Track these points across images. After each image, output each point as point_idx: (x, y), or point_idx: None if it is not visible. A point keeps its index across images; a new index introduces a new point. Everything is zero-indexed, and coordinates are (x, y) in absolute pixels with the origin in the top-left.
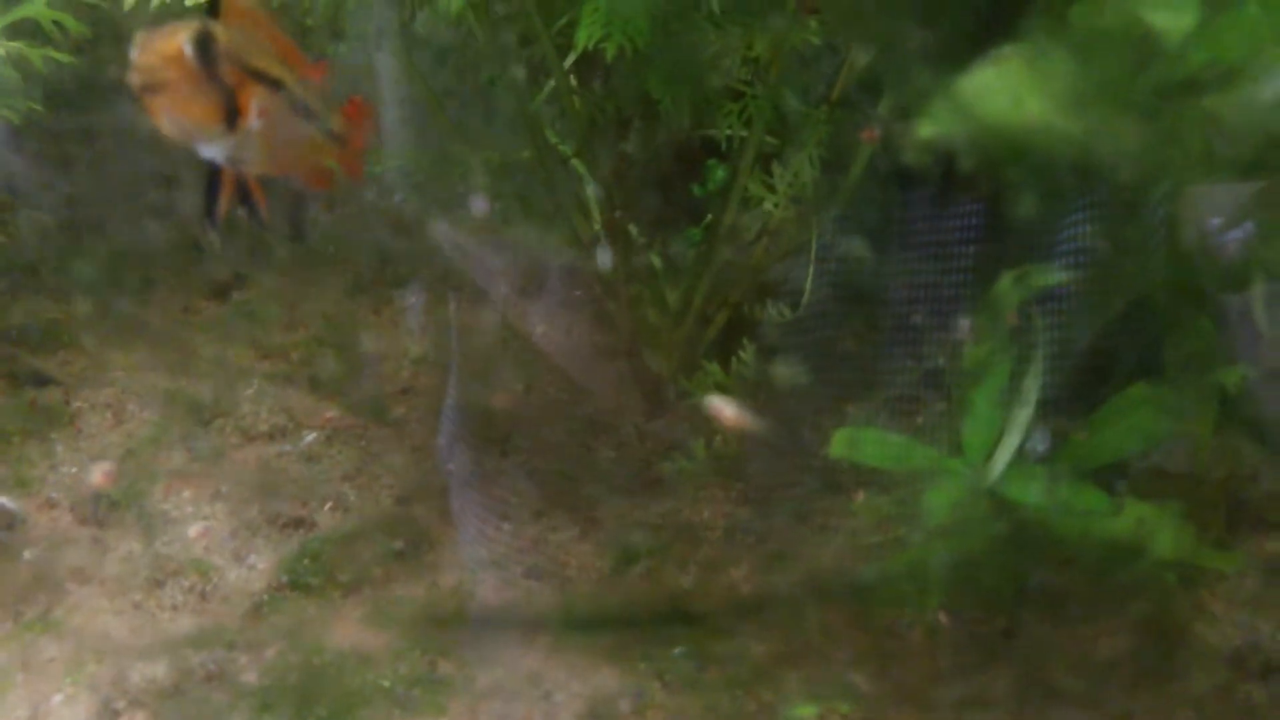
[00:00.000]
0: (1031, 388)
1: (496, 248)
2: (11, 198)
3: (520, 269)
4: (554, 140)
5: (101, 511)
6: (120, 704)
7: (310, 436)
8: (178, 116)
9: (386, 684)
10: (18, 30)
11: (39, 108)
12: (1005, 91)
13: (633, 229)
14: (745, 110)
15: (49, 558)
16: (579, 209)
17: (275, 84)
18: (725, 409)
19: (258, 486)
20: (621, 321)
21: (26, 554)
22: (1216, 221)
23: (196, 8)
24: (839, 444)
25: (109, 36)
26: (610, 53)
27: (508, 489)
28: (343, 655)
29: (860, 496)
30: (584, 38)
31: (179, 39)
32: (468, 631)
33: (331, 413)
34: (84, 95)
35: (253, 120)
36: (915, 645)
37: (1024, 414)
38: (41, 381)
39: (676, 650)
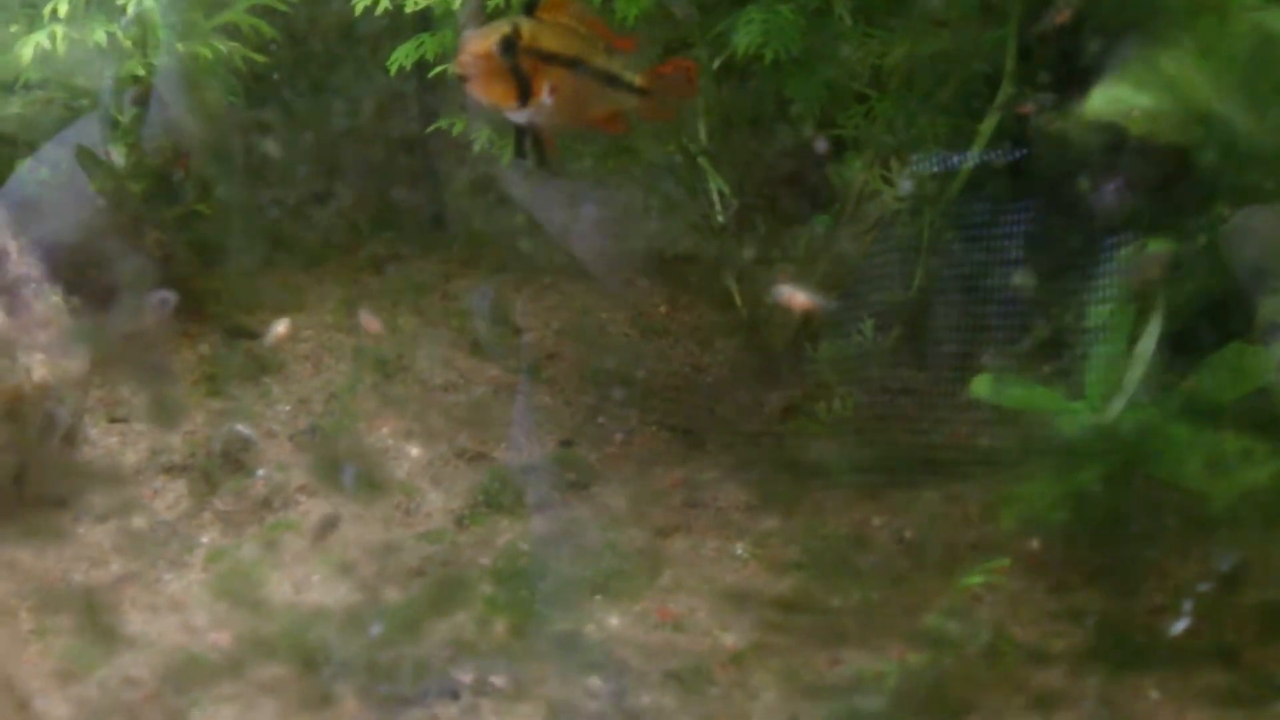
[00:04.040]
0: (1148, 342)
1: (632, 234)
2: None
3: (652, 255)
4: (687, 142)
5: (317, 440)
6: (376, 581)
7: (479, 390)
8: (485, 97)
9: (590, 575)
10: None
11: (237, 100)
12: (1156, 85)
13: (756, 219)
14: (870, 111)
15: (278, 476)
16: (709, 201)
17: (572, 62)
18: (796, 295)
19: (441, 427)
20: (743, 302)
21: (260, 471)
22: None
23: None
24: (980, 386)
25: (288, 39)
26: (768, 59)
27: (650, 440)
28: (549, 552)
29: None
30: (743, 46)
31: (488, 41)
32: (643, 541)
33: (493, 371)
34: (267, 90)
35: (544, 96)
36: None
37: (1140, 365)
38: (252, 336)
39: None
